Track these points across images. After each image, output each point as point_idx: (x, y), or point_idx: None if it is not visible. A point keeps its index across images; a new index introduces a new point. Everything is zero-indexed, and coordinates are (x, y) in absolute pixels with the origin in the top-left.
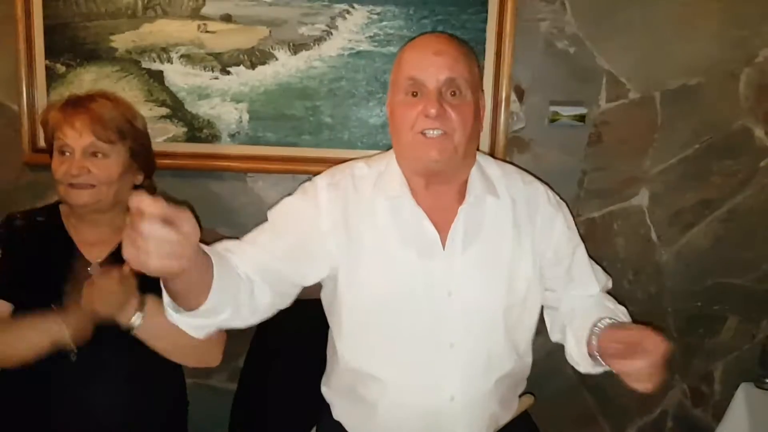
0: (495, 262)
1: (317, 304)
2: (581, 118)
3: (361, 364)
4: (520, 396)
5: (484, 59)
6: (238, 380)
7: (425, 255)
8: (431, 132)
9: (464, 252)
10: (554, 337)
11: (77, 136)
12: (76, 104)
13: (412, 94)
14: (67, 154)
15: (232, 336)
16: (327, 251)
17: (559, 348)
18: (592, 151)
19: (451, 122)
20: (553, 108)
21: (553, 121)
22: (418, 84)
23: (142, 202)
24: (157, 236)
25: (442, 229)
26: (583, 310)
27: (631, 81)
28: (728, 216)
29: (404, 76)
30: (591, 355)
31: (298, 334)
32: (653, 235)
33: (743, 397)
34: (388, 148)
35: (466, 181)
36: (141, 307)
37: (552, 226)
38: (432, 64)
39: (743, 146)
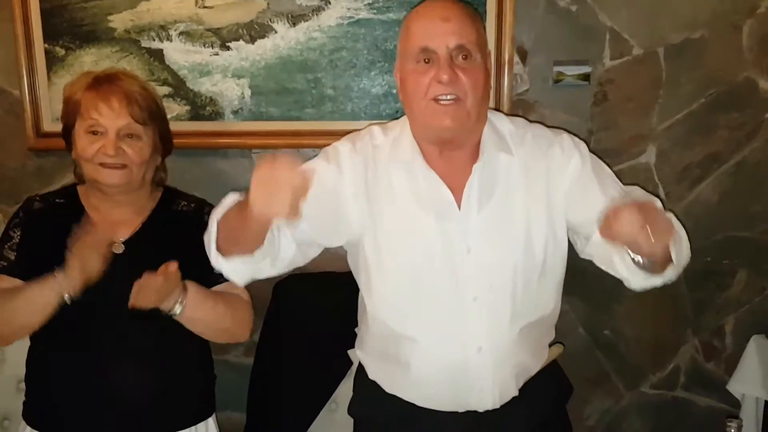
0: (511, 217)
1: (326, 277)
2: (586, 77)
3: (391, 325)
4: (549, 345)
5: (485, 21)
6: (254, 355)
7: (442, 217)
8: (444, 98)
9: (480, 210)
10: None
11: (114, 116)
12: (110, 82)
13: (424, 62)
14: (100, 133)
15: None
16: (350, 216)
17: (571, 309)
18: (598, 111)
19: (463, 86)
20: (557, 68)
21: (557, 81)
22: (429, 52)
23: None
24: (294, 188)
25: (457, 189)
26: None
27: (634, 37)
28: (736, 169)
29: (414, 45)
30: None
31: (310, 307)
32: (661, 192)
33: (755, 349)
34: (392, 117)
35: (479, 142)
36: (183, 296)
37: (568, 173)
38: (441, 31)
39: (748, 98)
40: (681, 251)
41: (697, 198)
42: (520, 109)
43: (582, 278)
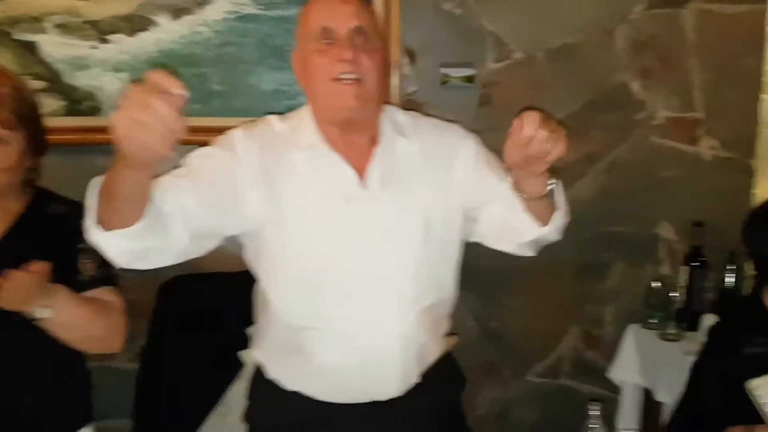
0: (412, 199)
1: (213, 277)
2: (470, 79)
3: (296, 313)
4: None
5: None
6: (139, 360)
7: (347, 199)
8: (347, 76)
9: (382, 192)
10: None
11: None
12: None
13: (325, 42)
14: None
15: (130, 316)
16: (248, 202)
17: (462, 302)
18: (483, 112)
19: (364, 67)
20: (443, 70)
21: (444, 83)
22: (329, 31)
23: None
24: (162, 114)
25: (359, 172)
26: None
27: (515, 41)
28: (610, 168)
29: (314, 26)
30: (521, 197)
31: (197, 309)
32: None
33: (632, 338)
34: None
35: (377, 128)
36: (51, 300)
37: (462, 155)
38: (341, 13)
39: (621, 101)
40: (562, 197)
41: (576, 195)
42: (409, 109)
43: (472, 272)
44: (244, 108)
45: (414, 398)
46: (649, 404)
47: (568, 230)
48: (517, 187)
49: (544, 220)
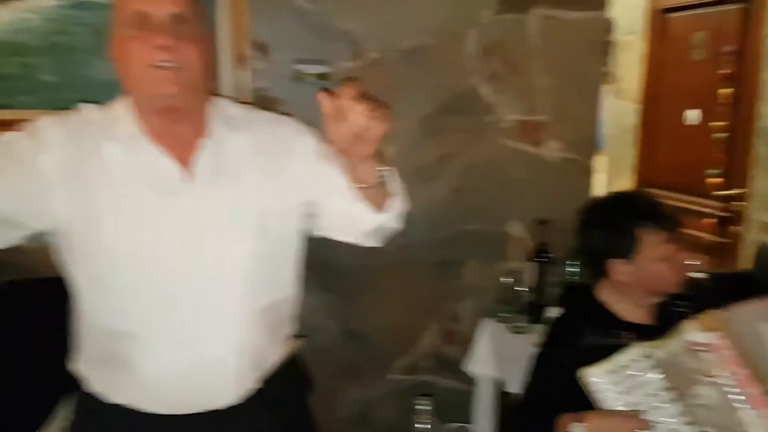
0: (243, 194)
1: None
2: (325, 76)
3: (114, 322)
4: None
5: (218, 14)
6: None
7: (168, 193)
8: (165, 64)
9: (210, 186)
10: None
11: None
12: None
13: (141, 28)
14: None
15: None
16: (54, 195)
17: (320, 303)
18: None
19: (184, 55)
20: (297, 66)
21: (296, 79)
22: (146, 17)
23: None
24: None
25: (184, 165)
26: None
27: (369, 41)
28: (464, 169)
29: (129, 10)
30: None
31: (21, 318)
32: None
33: (485, 332)
34: None
35: (204, 119)
36: None
37: (299, 149)
38: None
39: (472, 104)
40: (397, 184)
41: (433, 195)
42: (262, 106)
43: (331, 271)
44: (77, 100)
45: (254, 405)
46: (503, 395)
47: (427, 229)
48: (349, 175)
49: (381, 208)
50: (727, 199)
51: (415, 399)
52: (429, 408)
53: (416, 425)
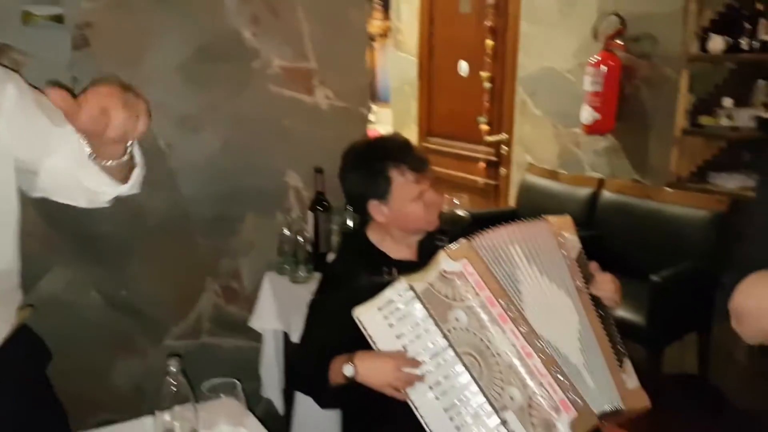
0: None
1: None
2: (59, 18)
3: None
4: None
5: None
6: None
7: None
8: None
9: None
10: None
11: None
12: None
13: None
14: None
15: None
16: None
17: (80, 275)
18: (80, 57)
19: None
20: (25, 7)
21: (26, 21)
22: None
23: None
24: None
25: None
26: None
27: None
28: (233, 119)
29: None
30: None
31: None
32: (162, 143)
33: (268, 285)
34: None
35: None
36: None
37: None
38: None
39: (236, 49)
40: (139, 154)
41: (200, 149)
42: None
43: (89, 241)
44: None
45: None
46: (289, 347)
47: (197, 185)
48: (94, 152)
49: (122, 178)
50: (495, 144)
51: (167, 358)
52: (176, 369)
53: (167, 385)
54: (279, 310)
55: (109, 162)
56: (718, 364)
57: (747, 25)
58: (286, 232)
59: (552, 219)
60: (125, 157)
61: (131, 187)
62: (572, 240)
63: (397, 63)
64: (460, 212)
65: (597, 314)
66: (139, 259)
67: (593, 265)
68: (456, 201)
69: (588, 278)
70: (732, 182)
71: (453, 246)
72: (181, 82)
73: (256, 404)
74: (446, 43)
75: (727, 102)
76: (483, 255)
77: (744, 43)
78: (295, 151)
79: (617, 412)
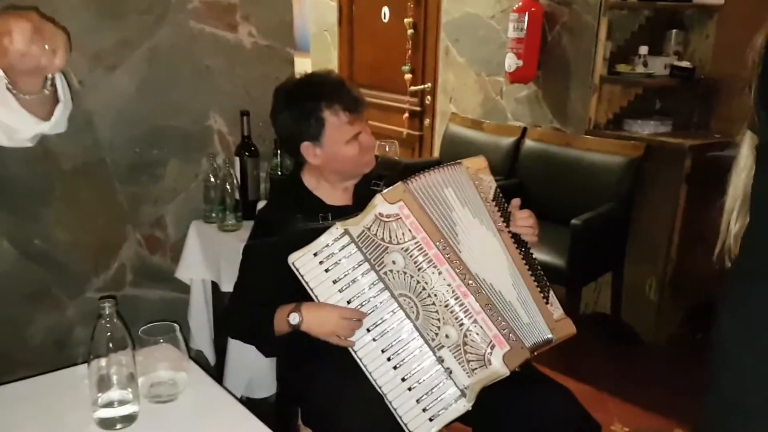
0: None
1: None
2: None
3: None
4: None
5: None
6: None
7: None
8: None
9: None
10: None
11: None
12: None
13: None
14: None
15: None
16: None
17: None
18: None
19: None
20: None
21: None
22: None
23: None
24: None
25: None
26: None
27: None
28: (150, 55)
29: None
30: None
31: None
32: (74, 81)
33: (194, 234)
34: None
35: None
36: None
37: None
38: None
39: None
40: (65, 89)
41: (114, 87)
42: None
43: None
44: None
45: None
46: (218, 297)
47: (114, 127)
48: (10, 84)
49: (44, 115)
50: (419, 93)
51: (100, 302)
52: (111, 312)
53: (99, 327)
54: (207, 259)
55: (27, 96)
56: (630, 302)
57: None
58: (212, 178)
59: (467, 162)
60: (45, 92)
61: (54, 124)
62: (488, 180)
63: (316, 8)
64: (392, 156)
65: (519, 251)
66: (53, 206)
67: (514, 203)
68: (387, 147)
69: (506, 217)
70: (647, 128)
71: (388, 189)
72: (93, 14)
73: None
74: None
75: (643, 50)
76: (419, 198)
77: None
78: (219, 93)
79: (548, 341)
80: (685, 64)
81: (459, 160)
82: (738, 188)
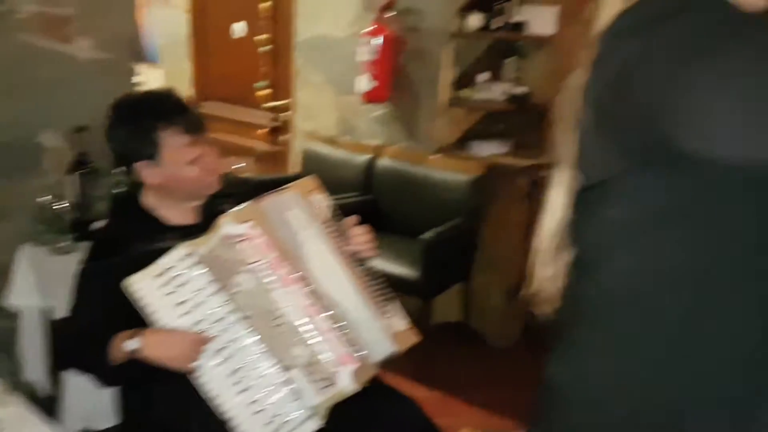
0: None
1: None
2: None
3: None
4: None
5: None
6: None
7: None
8: None
9: None
10: None
11: None
12: None
13: None
14: None
15: None
16: None
17: None
18: None
19: None
20: None
21: None
22: None
23: None
24: None
25: None
26: None
27: None
28: None
29: None
30: None
31: None
32: None
33: (25, 258)
34: None
35: None
36: None
37: None
38: None
39: None
40: None
41: None
42: None
43: None
44: None
45: None
46: (52, 323)
47: None
48: None
49: None
50: (275, 110)
51: None
52: None
53: None
54: (39, 284)
55: None
56: (477, 310)
57: (498, 6)
58: (44, 198)
59: (298, 183)
60: None
61: None
62: (320, 200)
63: (165, 18)
64: (244, 175)
65: (358, 267)
66: None
67: (348, 221)
68: (238, 166)
69: (343, 234)
70: (488, 149)
71: (238, 208)
72: None
73: (14, 390)
74: (219, 2)
75: (482, 77)
76: (268, 217)
77: (496, 21)
78: (52, 107)
79: (393, 354)
80: (522, 89)
81: (288, 185)
82: (551, 230)
